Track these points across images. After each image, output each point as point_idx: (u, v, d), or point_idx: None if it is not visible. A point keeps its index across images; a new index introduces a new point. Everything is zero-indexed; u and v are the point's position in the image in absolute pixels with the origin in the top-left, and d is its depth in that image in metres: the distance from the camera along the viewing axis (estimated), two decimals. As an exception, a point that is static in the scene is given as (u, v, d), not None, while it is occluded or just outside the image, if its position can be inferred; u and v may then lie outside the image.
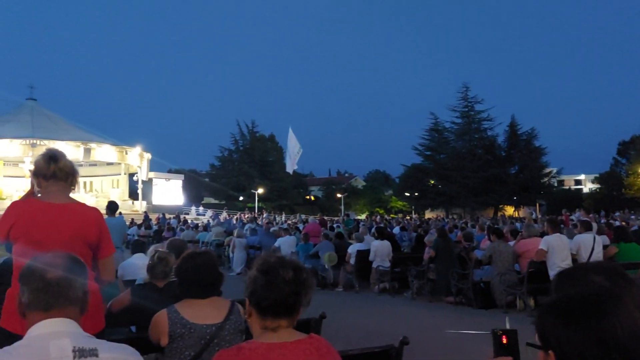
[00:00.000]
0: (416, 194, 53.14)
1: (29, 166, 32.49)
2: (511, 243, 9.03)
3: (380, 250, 10.32)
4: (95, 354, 1.50)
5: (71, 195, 2.74)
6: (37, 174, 2.63)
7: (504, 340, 1.35)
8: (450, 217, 39.92)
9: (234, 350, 1.67)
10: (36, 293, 1.57)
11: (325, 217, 25.66)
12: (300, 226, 19.40)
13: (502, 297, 8.25)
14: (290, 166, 33.53)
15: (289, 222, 30.86)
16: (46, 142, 31.04)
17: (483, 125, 52.62)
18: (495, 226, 13.44)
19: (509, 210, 50.18)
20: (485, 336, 1.46)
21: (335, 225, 18.78)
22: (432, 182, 52.99)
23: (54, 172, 2.62)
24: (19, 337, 2.28)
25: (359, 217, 37.38)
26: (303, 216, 38.43)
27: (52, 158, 2.63)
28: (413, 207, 56.28)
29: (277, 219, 35.76)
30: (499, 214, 44.37)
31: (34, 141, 31.21)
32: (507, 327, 1.40)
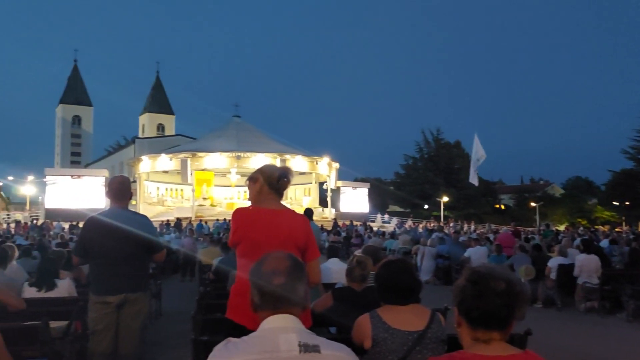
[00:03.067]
0: (627, 203, 47.03)
1: (235, 176, 36.53)
2: None
3: (586, 265, 9.30)
4: (317, 350, 1.60)
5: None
6: (266, 181, 2.95)
7: None
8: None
9: (445, 358, 1.64)
10: (265, 297, 1.72)
11: (519, 228, 24.05)
12: (491, 236, 18.47)
13: None
14: (472, 177, 32.21)
15: (479, 231, 29.64)
16: (249, 154, 34.49)
17: None
18: None
19: None
20: None
21: (530, 236, 17.51)
22: (647, 189, 46.41)
23: (279, 187, 2.95)
24: (242, 327, 2.55)
25: (557, 228, 34.28)
26: (493, 226, 36.62)
27: (285, 176, 2.98)
28: (623, 218, 49.85)
29: (465, 228, 34.63)
30: None
31: (239, 154, 34.85)
32: None
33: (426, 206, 54.20)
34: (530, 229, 33.24)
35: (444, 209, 48.83)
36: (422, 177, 57.06)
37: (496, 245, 12.25)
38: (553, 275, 9.83)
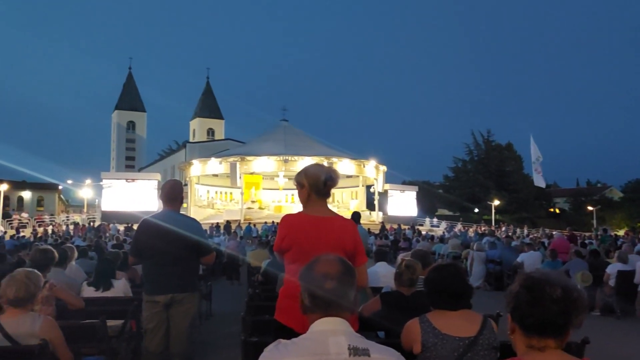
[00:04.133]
0: (692, 207, 44.49)
1: (283, 180, 36.89)
2: None
3: (648, 272, 8.87)
4: (367, 354, 1.59)
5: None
6: (312, 188, 2.95)
7: None
8: None
9: None
10: (316, 300, 1.72)
11: (575, 232, 23.19)
12: (545, 241, 17.89)
13: None
14: (537, 179, 31.26)
15: (532, 236, 28.80)
16: (296, 158, 34.74)
17: None
18: None
19: None
20: None
21: (587, 242, 16.86)
22: None
23: (327, 191, 2.95)
24: (290, 329, 2.57)
25: (616, 233, 32.85)
26: (547, 230, 35.45)
27: (331, 179, 2.95)
28: (687, 223, 47.20)
29: (518, 232, 33.69)
30: None
31: (286, 157, 35.17)
32: None
33: (476, 210, 53.03)
34: (587, 234, 32.00)
35: (495, 213, 47.63)
36: (472, 180, 55.86)
37: (551, 251, 11.86)
38: (612, 282, 9.44)
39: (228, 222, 29.14)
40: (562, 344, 1.59)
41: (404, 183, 51.27)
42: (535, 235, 30.59)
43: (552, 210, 59.99)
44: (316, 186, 2.93)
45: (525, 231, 35.63)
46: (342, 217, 3.03)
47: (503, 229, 35.84)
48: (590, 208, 51.24)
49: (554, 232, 30.62)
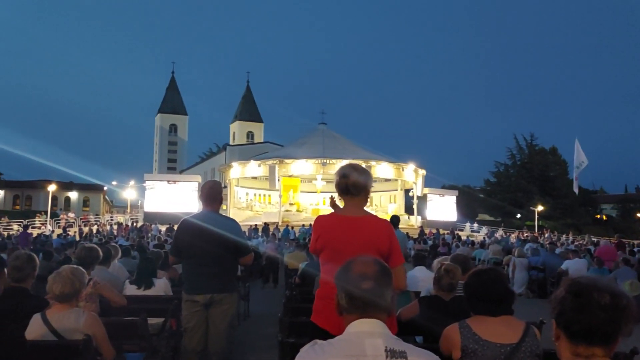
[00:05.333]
0: None
1: (320, 183, 36.96)
2: None
3: (702, 282, 8.47)
4: (404, 357, 1.57)
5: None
6: (337, 189, 2.98)
7: None
8: None
9: None
10: (353, 300, 1.71)
11: (623, 240, 22.35)
12: (591, 248, 17.28)
13: None
14: (575, 185, 30.46)
15: (577, 243, 27.93)
16: (334, 160, 34.73)
17: None
18: None
19: None
20: None
21: (636, 250, 16.22)
22: None
23: (347, 188, 2.90)
24: (326, 332, 2.56)
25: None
26: (593, 237, 34.31)
27: (344, 176, 2.92)
28: None
29: (562, 239, 32.73)
30: None
31: (324, 160, 35.18)
32: None
33: (519, 215, 51.82)
34: (635, 241, 30.79)
35: (539, 219, 46.38)
36: (514, 185, 54.66)
37: (597, 258, 11.47)
38: (663, 292, 9.04)
39: (266, 224, 29.36)
40: (610, 352, 1.54)
41: (443, 187, 50.64)
42: (581, 242, 29.68)
43: (598, 216, 58.05)
44: (338, 186, 2.95)
45: (570, 238, 34.61)
46: (376, 217, 3.00)
47: (546, 235, 34.89)
48: (639, 215, 49.35)
49: (597, 239, 29.65)
